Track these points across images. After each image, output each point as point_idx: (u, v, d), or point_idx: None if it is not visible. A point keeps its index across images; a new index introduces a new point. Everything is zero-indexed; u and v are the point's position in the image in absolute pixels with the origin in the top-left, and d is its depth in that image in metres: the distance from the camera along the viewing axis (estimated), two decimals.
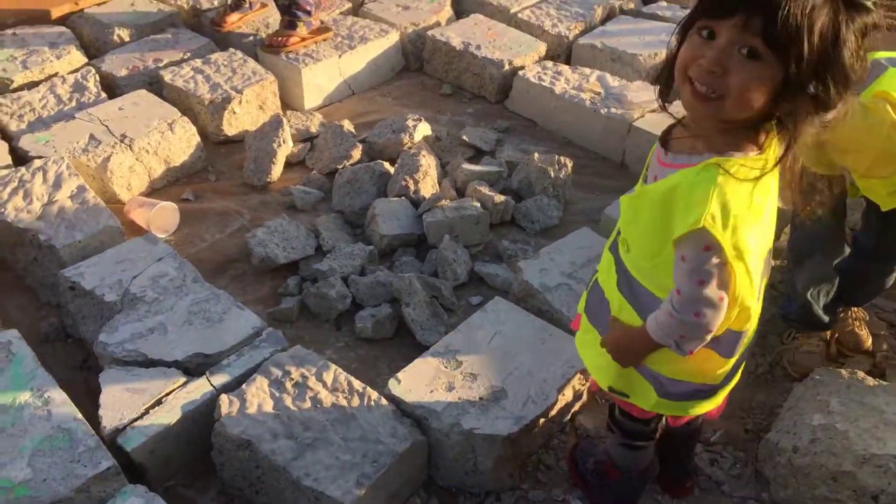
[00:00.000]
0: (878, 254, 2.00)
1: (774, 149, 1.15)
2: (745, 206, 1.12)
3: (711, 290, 1.17)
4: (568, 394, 1.90)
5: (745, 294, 1.20)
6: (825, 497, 1.71)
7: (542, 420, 1.82)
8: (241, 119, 3.08)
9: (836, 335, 2.15)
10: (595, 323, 1.47)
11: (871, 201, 1.85)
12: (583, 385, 1.95)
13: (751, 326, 1.31)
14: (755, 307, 1.26)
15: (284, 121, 2.92)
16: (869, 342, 2.18)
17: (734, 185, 1.11)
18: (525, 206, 2.68)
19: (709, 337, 1.24)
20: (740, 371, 1.45)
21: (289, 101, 3.31)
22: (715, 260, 1.14)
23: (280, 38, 3.28)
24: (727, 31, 1.05)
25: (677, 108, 1.22)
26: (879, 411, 1.76)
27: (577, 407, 2.00)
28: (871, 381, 1.90)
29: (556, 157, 2.79)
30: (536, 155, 2.80)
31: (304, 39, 3.31)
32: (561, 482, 1.87)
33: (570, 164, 2.80)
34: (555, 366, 1.90)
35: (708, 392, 1.40)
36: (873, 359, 2.16)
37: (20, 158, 2.68)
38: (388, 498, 1.74)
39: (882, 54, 1.66)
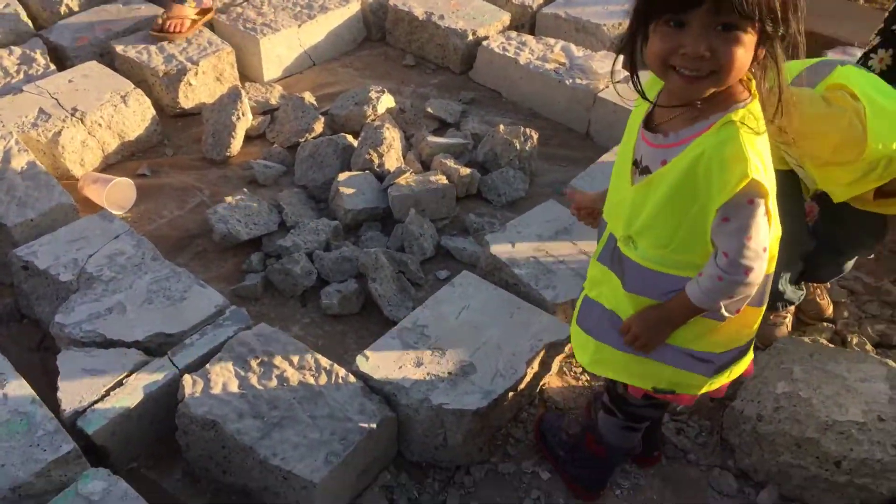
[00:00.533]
0: (828, 247, 2.04)
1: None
2: (767, 147, 1.16)
3: (756, 243, 1.18)
4: (536, 367, 1.89)
5: (777, 235, 1.24)
6: (789, 463, 1.74)
7: (511, 394, 1.82)
8: (197, 91, 2.99)
9: (798, 304, 2.18)
10: (604, 339, 1.44)
11: (820, 199, 1.88)
12: (551, 358, 1.95)
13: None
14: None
15: (243, 93, 2.84)
16: (829, 310, 2.22)
17: (751, 126, 1.13)
18: (491, 178, 2.66)
19: (754, 291, 1.25)
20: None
21: (247, 73, 3.22)
22: (760, 210, 1.15)
23: (172, 23, 3.02)
24: (699, 17, 1.07)
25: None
26: (842, 378, 1.79)
27: (545, 380, 2.01)
28: (833, 348, 1.93)
29: (522, 128, 2.77)
30: (502, 127, 2.77)
31: (195, 23, 3.09)
32: (530, 455, 1.87)
33: (535, 136, 2.77)
34: (523, 339, 1.89)
35: (746, 348, 1.41)
36: (834, 326, 2.20)
37: None
38: (357, 475, 1.73)
39: (827, 57, 1.70)
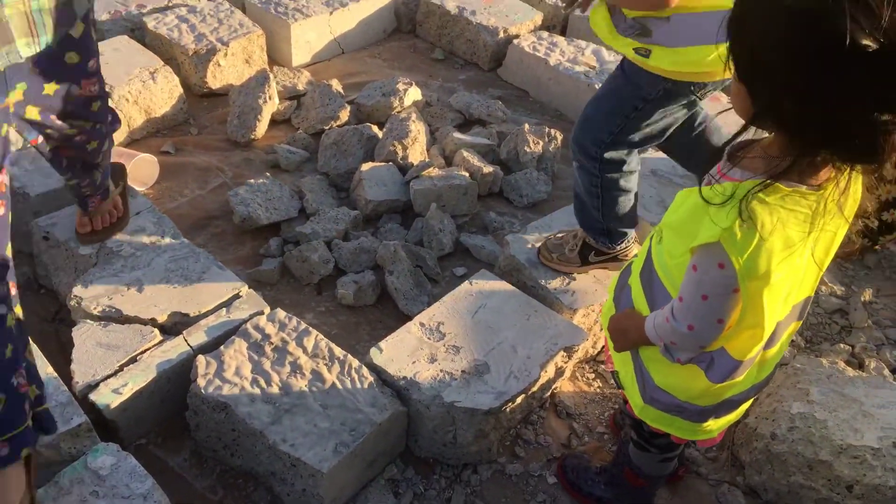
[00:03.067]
0: None
1: (839, 187, 1.05)
2: (779, 237, 1.05)
3: (712, 309, 1.13)
4: (550, 370, 1.88)
5: (754, 325, 1.16)
6: (800, 484, 1.72)
7: (522, 396, 1.81)
8: (225, 72, 2.99)
9: None
10: (616, 301, 1.44)
11: None
12: (565, 363, 1.94)
13: (753, 362, 1.25)
14: (760, 345, 1.21)
15: (271, 76, 2.84)
16: None
17: (772, 211, 1.04)
18: (514, 178, 2.65)
19: (696, 350, 1.22)
20: (739, 411, 1.39)
21: (276, 57, 3.23)
22: (725, 281, 1.09)
23: (102, 218, 2.07)
24: None
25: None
26: (859, 402, 1.77)
27: (557, 383, 1.99)
28: (851, 371, 1.91)
29: (547, 129, 2.75)
30: (527, 126, 2.75)
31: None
32: (539, 457, 1.86)
33: (559, 137, 2.76)
34: (538, 342, 1.88)
35: (695, 413, 1.33)
36: (852, 349, 2.18)
37: None
38: (364, 467, 1.72)
39: None
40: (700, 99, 1.77)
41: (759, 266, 1.06)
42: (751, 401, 1.40)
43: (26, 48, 1.40)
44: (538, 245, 2.18)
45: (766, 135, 1.08)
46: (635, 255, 1.47)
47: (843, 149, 0.98)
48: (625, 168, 1.91)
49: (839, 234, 1.16)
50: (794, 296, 1.18)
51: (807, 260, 1.12)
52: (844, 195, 1.07)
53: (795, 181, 1.04)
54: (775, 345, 1.26)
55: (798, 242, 1.06)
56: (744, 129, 1.05)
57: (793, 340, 2.18)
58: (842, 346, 2.17)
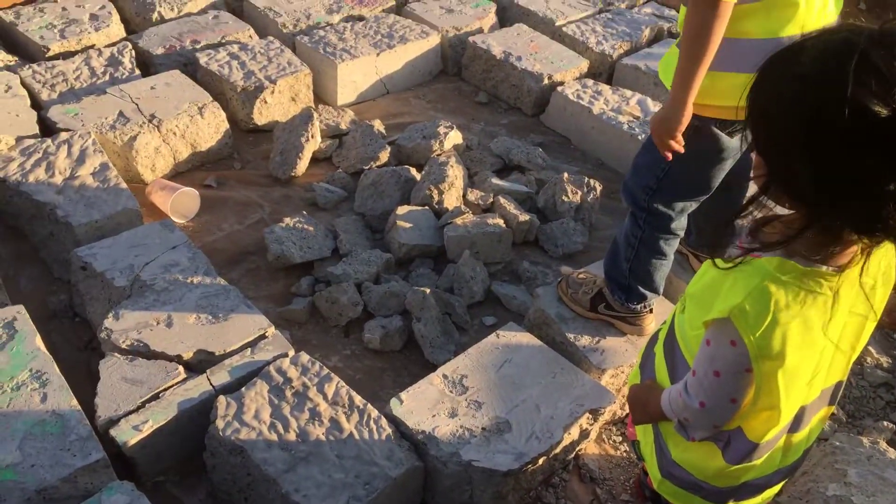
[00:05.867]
0: None
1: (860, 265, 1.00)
2: (795, 316, 1.00)
3: (724, 387, 1.09)
4: (574, 432, 1.83)
5: (770, 407, 1.11)
6: None
7: (544, 458, 1.76)
8: (272, 109, 3.04)
9: None
10: (642, 369, 1.41)
11: None
12: (590, 425, 1.88)
13: (773, 446, 1.20)
14: (778, 428, 1.16)
15: (315, 115, 2.88)
16: None
17: (787, 289, 0.99)
18: (550, 227, 2.62)
19: (710, 429, 1.18)
20: (765, 496, 1.33)
21: (322, 95, 3.27)
22: (737, 359, 1.05)
23: None
24: None
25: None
26: None
27: (582, 445, 1.94)
28: (892, 453, 1.81)
29: (586, 179, 2.72)
30: (566, 175, 2.73)
31: None
32: None
33: (599, 188, 2.72)
34: (563, 402, 1.83)
35: (713, 493, 1.29)
36: (895, 426, 2.07)
37: (48, 129, 2.66)
38: None
39: None
40: (730, 138, 1.72)
41: (773, 346, 1.01)
42: (779, 486, 1.33)
43: None
44: (560, 278, 2.19)
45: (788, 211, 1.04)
46: (651, 325, 1.44)
47: (857, 222, 0.93)
48: (672, 226, 1.87)
49: (871, 318, 1.10)
50: (821, 380, 1.13)
51: (833, 343, 1.07)
52: (883, 276, 1.02)
53: (818, 261, 0.99)
54: (802, 430, 1.20)
55: (819, 325, 1.01)
56: (754, 198, 1.02)
57: (833, 414, 2.08)
58: (885, 423, 2.07)
